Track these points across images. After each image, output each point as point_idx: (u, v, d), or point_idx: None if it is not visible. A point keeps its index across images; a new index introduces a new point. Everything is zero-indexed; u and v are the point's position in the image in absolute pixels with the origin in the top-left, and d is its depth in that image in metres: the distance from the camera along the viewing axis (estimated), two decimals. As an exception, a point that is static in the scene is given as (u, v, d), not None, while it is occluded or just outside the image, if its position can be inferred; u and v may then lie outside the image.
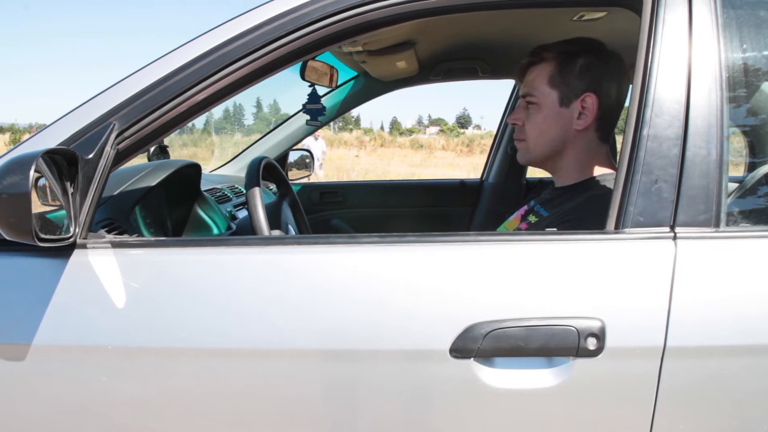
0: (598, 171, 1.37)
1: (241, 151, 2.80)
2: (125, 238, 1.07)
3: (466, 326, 0.95)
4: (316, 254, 1.00)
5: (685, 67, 1.04)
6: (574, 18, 1.79)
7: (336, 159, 20.09)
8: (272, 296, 0.98)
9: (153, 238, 1.06)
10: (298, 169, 2.89)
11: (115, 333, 0.98)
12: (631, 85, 1.12)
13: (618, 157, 1.06)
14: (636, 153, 1.01)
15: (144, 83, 1.07)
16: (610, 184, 1.32)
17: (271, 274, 0.99)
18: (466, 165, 20.42)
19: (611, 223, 1.02)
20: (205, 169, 2.57)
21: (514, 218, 1.51)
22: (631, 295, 0.96)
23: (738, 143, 1.39)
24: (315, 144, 11.17)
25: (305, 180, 2.87)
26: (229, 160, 2.77)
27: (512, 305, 0.96)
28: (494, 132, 2.95)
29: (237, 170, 2.70)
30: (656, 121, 1.02)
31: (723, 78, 1.04)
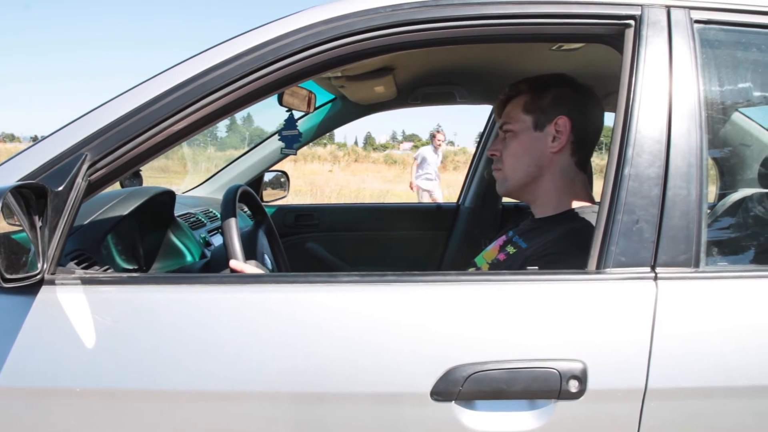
0: (577, 204, 1.37)
1: (214, 172, 2.74)
2: (96, 273, 1.03)
3: (448, 368, 0.93)
4: (294, 293, 0.98)
5: (665, 105, 1.04)
6: (553, 48, 1.80)
7: (309, 174, 19.99)
8: (249, 337, 0.95)
9: (125, 275, 1.02)
10: (273, 188, 2.85)
11: (84, 374, 0.94)
12: (605, 114, 1.12)
13: (600, 196, 1.06)
14: (618, 192, 1.01)
15: (118, 113, 1.04)
16: (589, 218, 1.33)
17: (248, 314, 0.96)
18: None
19: (593, 263, 1.01)
20: (178, 191, 2.52)
21: (492, 248, 1.50)
22: (613, 337, 0.96)
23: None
24: (433, 156, 8.94)
25: (280, 202, 2.83)
26: (202, 181, 2.72)
27: (494, 347, 0.95)
28: (467, 149, 2.96)
29: (211, 192, 2.65)
30: (638, 160, 1.02)
31: (702, 117, 1.04)
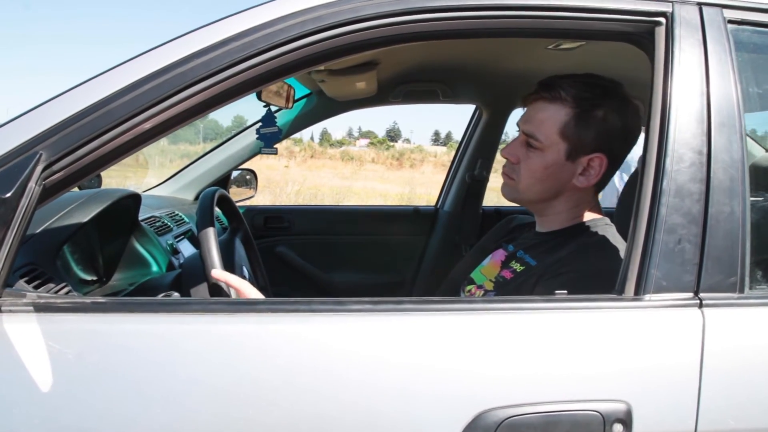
0: (588, 216, 1.27)
1: (178, 170, 2.54)
2: (52, 297, 0.86)
3: (477, 413, 0.80)
4: (295, 325, 0.83)
5: (704, 113, 0.94)
6: (549, 47, 1.70)
7: (265, 169, 19.63)
8: (242, 379, 0.80)
9: (89, 299, 0.85)
10: (239, 187, 2.68)
11: (38, 425, 0.78)
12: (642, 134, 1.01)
13: (634, 210, 0.95)
14: (657, 208, 0.90)
15: (80, 105, 0.87)
16: (602, 231, 1.23)
17: (240, 350, 0.81)
18: (396, 179, 20.43)
19: (630, 288, 0.90)
20: (138, 189, 2.31)
21: (492, 264, 1.38)
22: (658, 373, 0.85)
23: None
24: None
25: (248, 202, 2.66)
26: (165, 179, 2.52)
27: (528, 386, 0.83)
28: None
29: (174, 191, 2.45)
30: (677, 173, 0.91)
31: (743, 127, 0.95)
